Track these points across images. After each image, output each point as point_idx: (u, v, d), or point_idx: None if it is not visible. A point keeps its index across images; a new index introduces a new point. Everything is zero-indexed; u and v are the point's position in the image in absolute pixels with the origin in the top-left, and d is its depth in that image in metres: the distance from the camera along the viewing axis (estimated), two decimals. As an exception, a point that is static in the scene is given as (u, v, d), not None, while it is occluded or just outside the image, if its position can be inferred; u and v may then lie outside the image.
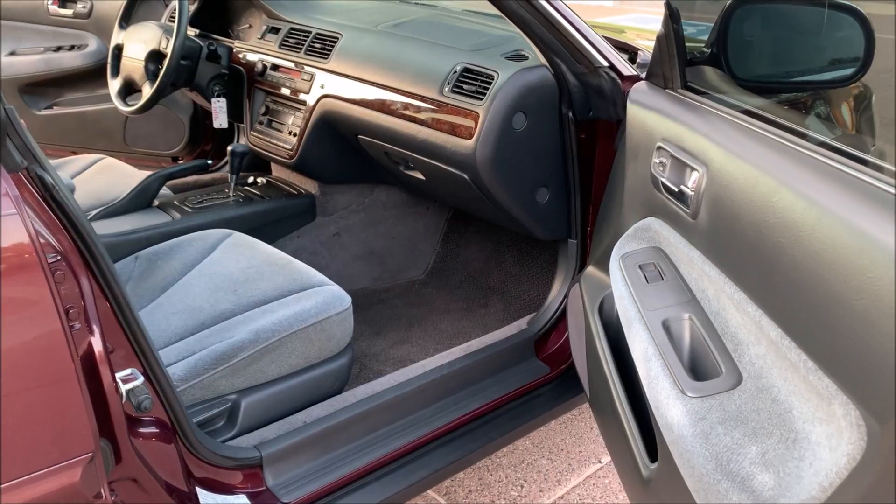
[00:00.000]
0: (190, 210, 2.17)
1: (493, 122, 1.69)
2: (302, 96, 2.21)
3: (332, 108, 2.11)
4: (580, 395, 1.93)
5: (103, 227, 2.05)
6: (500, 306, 2.33)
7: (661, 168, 1.27)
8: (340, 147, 2.22)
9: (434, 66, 1.85)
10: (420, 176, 2.03)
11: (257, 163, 3.15)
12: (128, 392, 1.16)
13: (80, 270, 1.06)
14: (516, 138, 1.73)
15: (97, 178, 2.48)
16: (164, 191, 2.31)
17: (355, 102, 2.03)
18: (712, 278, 1.10)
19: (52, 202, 1.05)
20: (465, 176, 1.80)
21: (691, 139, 1.19)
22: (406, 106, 1.88)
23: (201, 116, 3.08)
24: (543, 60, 1.71)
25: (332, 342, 1.69)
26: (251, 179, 2.43)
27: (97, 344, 1.09)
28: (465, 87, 1.77)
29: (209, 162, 2.28)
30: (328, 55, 2.14)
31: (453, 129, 1.76)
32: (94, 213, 2.12)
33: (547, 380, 1.92)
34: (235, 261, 1.88)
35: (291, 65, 2.26)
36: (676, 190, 1.20)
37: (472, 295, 2.41)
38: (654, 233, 1.31)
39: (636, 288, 1.22)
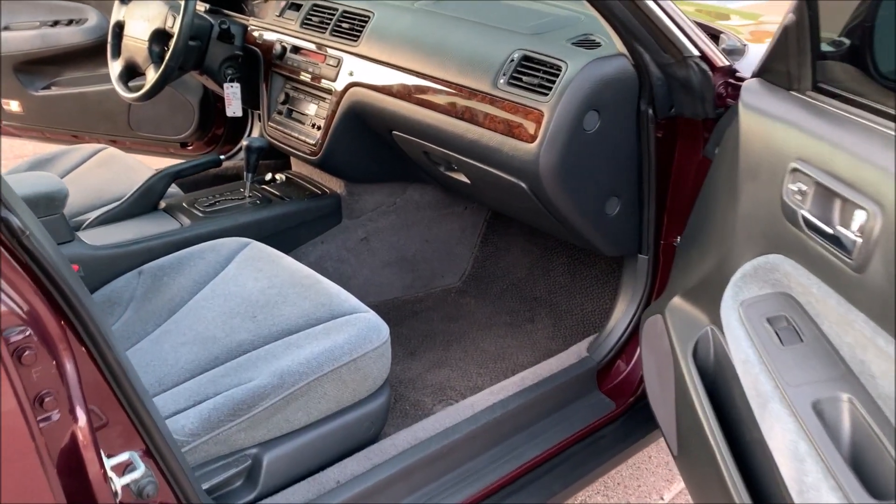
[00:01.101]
0: (201, 214, 1.91)
1: (560, 123, 1.41)
2: (327, 84, 1.93)
3: (363, 99, 1.83)
4: (651, 434, 1.68)
5: (102, 236, 1.79)
6: (548, 321, 2.07)
7: (800, 198, 0.99)
8: (371, 143, 1.95)
9: (486, 53, 1.57)
10: (464, 179, 1.76)
11: (273, 154, 2.90)
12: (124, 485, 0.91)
13: (59, 343, 0.80)
14: (587, 141, 1.45)
15: (96, 173, 2.22)
16: (172, 189, 2.05)
17: (389, 93, 1.75)
18: (882, 351, 0.84)
19: (19, 252, 0.79)
20: (523, 184, 1.53)
21: (848, 165, 0.92)
22: (451, 100, 1.60)
23: (212, 99, 2.81)
24: (622, 48, 1.43)
25: (368, 381, 1.44)
26: (269, 177, 2.16)
27: (83, 433, 0.84)
28: (524, 79, 1.49)
29: (222, 158, 2.01)
30: (358, 37, 1.86)
31: (510, 130, 1.49)
32: (91, 217, 1.86)
33: (613, 417, 1.67)
34: (254, 279, 1.62)
35: (315, 47, 1.98)
36: (829, 231, 0.93)
37: (516, 307, 2.15)
38: (783, 275, 1.04)
39: (769, 352, 0.96)
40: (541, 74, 1.47)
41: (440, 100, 1.63)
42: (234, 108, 2.23)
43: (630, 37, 1.38)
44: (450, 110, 1.61)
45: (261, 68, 2.16)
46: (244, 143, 1.96)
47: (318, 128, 1.97)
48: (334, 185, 2.11)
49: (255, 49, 2.17)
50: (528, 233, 2.25)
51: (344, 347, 1.39)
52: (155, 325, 1.58)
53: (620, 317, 1.74)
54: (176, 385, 1.39)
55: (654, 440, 1.72)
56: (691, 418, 1.26)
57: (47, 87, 2.99)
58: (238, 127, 2.89)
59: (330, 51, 1.93)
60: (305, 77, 2.01)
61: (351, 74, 1.86)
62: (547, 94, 1.43)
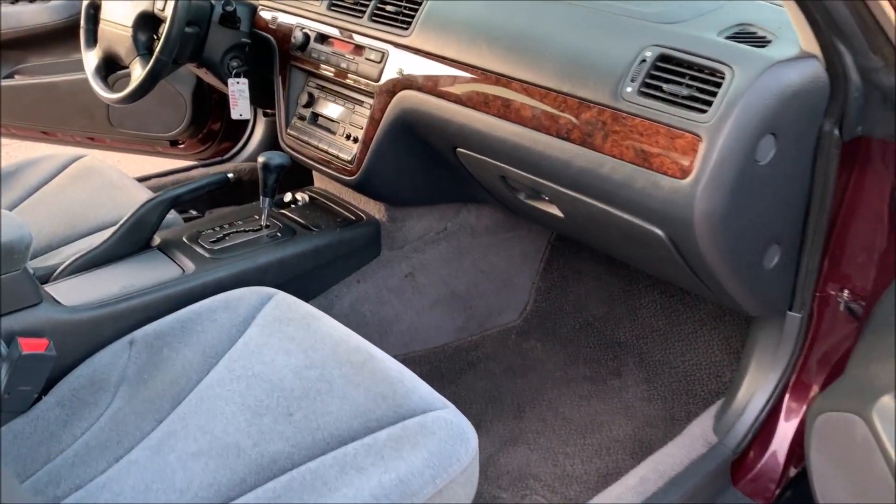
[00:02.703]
0: (207, 255, 1.48)
1: (728, 153, 1.00)
2: (366, 84, 1.50)
3: (416, 106, 1.40)
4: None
5: (79, 289, 1.37)
6: (639, 375, 1.68)
7: None
8: (424, 160, 1.53)
9: (602, 50, 1.15)
10: (556, 213, 1.35)
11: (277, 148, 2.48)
12: None
13: None
14: (757, 176, 1.05)
15: (71, 192, 1.78)
16: (169, 215, 1.61)
17: (455, 100, 1.33)
18: None
19: None
20: (659, 232, 1.12)
21: None
22: (550, 113, 1.18)
23: (206, 89, 2.37)
24: (811, 47, 1.02)
25: (455, 513, 1.04)
26: (288, 197, 1.73)
27: None
28: (664, 87, 1.07)
29: (230, 176, 1.58)
30: (409, 24, 1.43)
31: (645, 159, 1.07)
32: (65, 260, 1.43)
33: (757, 525, 1.29)
34: (285, 351, 1.22)
35: (349, 36, 1.54)
36: None
37: (596, 354, 1.75)
38: None
39: None
40: (689, 81, 1.05)
41: (531, 112, 1.21)
42: (240, 108, 1.80)
43: (832, 31, 0.97)
44: (546, 127, 1.19)
45: (275, 60, 1.72)
46: (261, 160, 1.53)
47: (355, 140, 1.54)
48: (371, 207, 1.69)
49: (267, 36, 1.73)
50: (604, 258, 1.84)
51: (424, 474, 0.99)
52: (154, 420, 1.17)
53: (756, 390, 1.34)
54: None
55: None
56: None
57: (9, 77, 2.52)
58: (239, 120, 2.45)
59: (370, 41, 1.50)
60: (334, 73, 1.57)
61: (400, 73, 1.43)
62: (705, 112, 1.02)
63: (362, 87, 1.52)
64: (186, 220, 2.17)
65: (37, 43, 2.47)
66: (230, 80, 1.76)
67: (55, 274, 1.42)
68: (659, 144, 1.06)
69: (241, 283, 1.44)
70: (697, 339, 1.66)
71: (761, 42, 1.08)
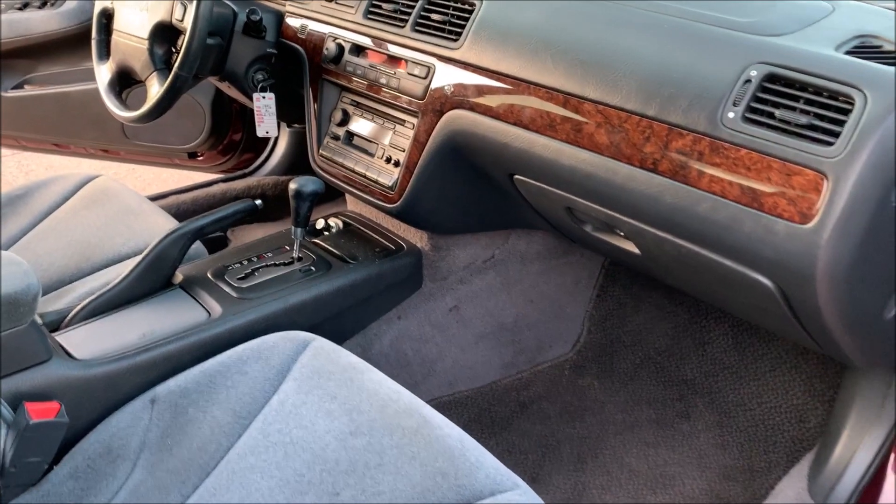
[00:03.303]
0: (235, 294, 1.33)
1: (862, 194, 0.84)
2: (409, 101, 1.34)
3: (468, 127, 1.24)
4: None
5: (93, 337, 1.22)
6: (710, 419, 1.51)
7: None
8: (475, 186, 1.37)
9: (695, 66, 0.99)
10: (631, 249, 1.18)
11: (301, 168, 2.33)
12: None
13: None
14: (888, 220, 0.88)
15: (83, 218, 1.64)
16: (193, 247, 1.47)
17: (515, 121, 1.17)
18: None
19: None
20: (769, 282, 0.95)
21: None
22: (631, 140, 1.02)
23: (227, 98, 2.22)
24: (960, 65, 0.85)
25: None
26: (321, 224, 1.58)
27: None
28: (776, 113, 0.90)
29: (258, 203, 1.43)
30: (458, 35, 1.27)
31: (755, 198, 0.91)
32: (77, 307, 1.28)
33: None
34: (326, 413, 1.07)
35: (390, 48, 1.38)
36: None
37: (660, 394, 1.59)
38: None
39: None
40: (805, 106, 0.89)
41: (608, 138, 1.05)
42: (266, 125, 1.64)
43: None
44: (628, 156, 1.03)
45: (305, 73, 1.56)
46: (293, 186, 1.37)
47: (396, 164, 1.38)
48: (412, 235, 1.53)
49: (296, 47, 1.57)
50: (665, 284, 1.68)
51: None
52: (180, 495, 1.03)
53: (858, 447, 1.18)
54: None
55: None
56: None
57: (19, 87, 2.39)
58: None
59: (413, 54, 1.34)
60: (372, 89, 1.42)
61: (449, 90, 1.27)
62: (831, 144, 0.85)
63: (404, 105, 1.36)
64: (210, 241, 2.04)
65: (46, 51, 2.34)
66: (255, 95, 1.61)
67: (67, 319, 1.27)
68: (771, 181, 0.89)
69: (273, 326, 1.30)
70: (775, 378, 1.49)
71: (891, 59, 0.91)
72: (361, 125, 1.47)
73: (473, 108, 1.23)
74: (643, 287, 1.70)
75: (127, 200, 1.70)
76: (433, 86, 1.29)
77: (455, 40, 1.27)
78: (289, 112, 1.73)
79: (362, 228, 1.56)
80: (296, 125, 1.91)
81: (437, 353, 1.54)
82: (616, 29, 1.09)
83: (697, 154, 0.96)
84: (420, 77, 1.31)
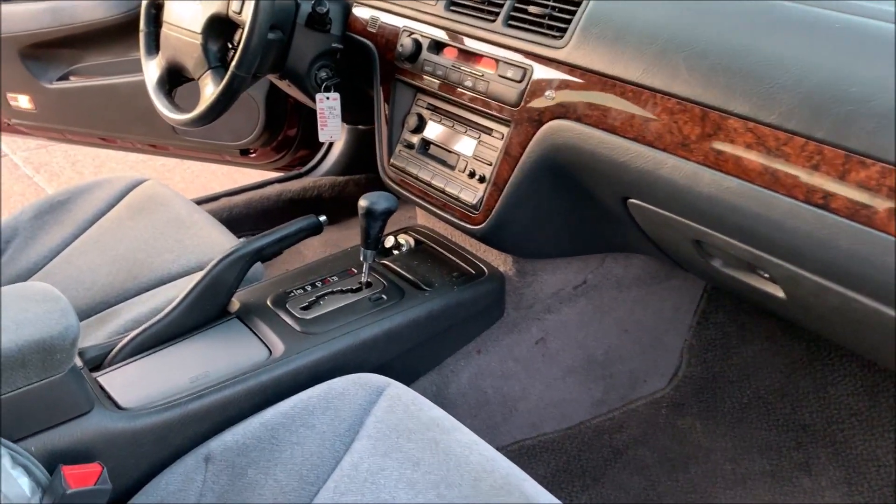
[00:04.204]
0: (298, 328, 1.17)
1: None
2: (500, 108, 1.16)
3: (573, 142, 1.05)
4: None
5: (139, 379, 1.07)
6: (837, 474, 1.31)
7: None
8: (575, 208, 1.18)
9: (874, 80, 0.78)
10: (774, 292, 0.98)
11: (356, 166, 2.16)
12: None
13: None
14: None
15: (131, 231, 1.49)
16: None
17: (634, 136, 0.97)
18: None
19: None
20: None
21: None
22: (795, 168, 0.82)
23: (281, 92, 2.06)
24: None
25: None
26: (390, 242, 1.40)
27: None
28: None
29: (322, 219, 1.26)
30: (562, 31, 1.07)
31: (972, 251, 0.71)
32: (122, 342, 1.13)
33: None
34: (408, 483, 0.92)
35: (477, 45, 1.19)
36: None
37: (773, 440, 1.39)
38: None
39: None
40: None
41: (761, 164, 0.85)
42: (329, 129, 1.47)
43: None
44: (788, 187, 0.83)
45: (375, 72, 1.38)
46: (363, 203, 1.20)
47: (482, 179, 1.20)
48: (493, 256, 1.35)
49: (365, 42, 1.39)
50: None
51: None
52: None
53: None
54: None
55: None
56: None
57: (64, 78, 2.27)
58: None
59: (506, 53, 1.15)
60: (454, 92, 1.23)
61: (551, 96, 1.08)
62: None
63: (493, 113, 1.17)
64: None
65: (92, 41, 2.20)
66: (318, 96, 1.44)
67: (110, 356, 1.12)
68: None
69: (341, 366, 1.13)
70: (917, 431, 1.29)
71: None
72: (439, 133, 1.29)
73: (581, 118, 1.04)
74: (751, 315, 1.50)
75: (177, 209, 1.55)
76: (530, 91, 1.10)
77: (558, 38, 1.08)
78: (353, 113, 1.56)
79: (437, 248, 1.39)
80: (360, 126, 1.74)
81: (520, 391, 1.36)
82: (772, 28, 0.88)
83: (887, 190, 0.76)
84: (514, 80, 1.13)
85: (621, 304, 1.42)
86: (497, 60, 1.16)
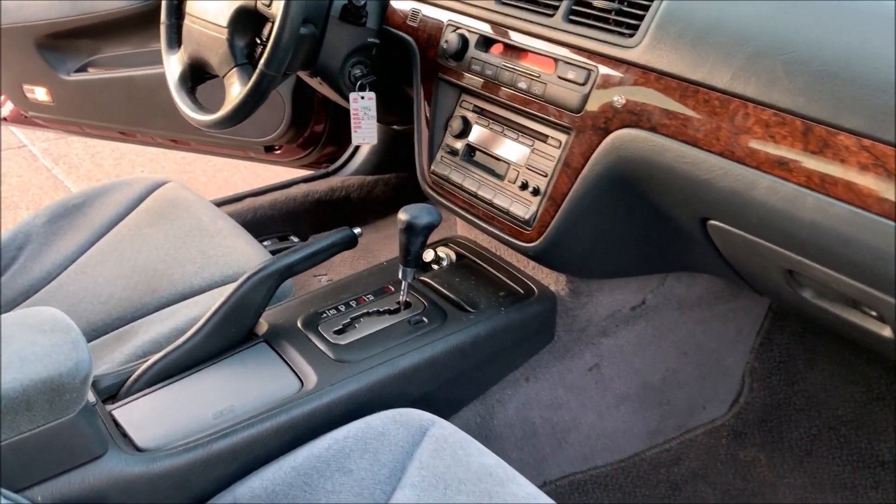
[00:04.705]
0: (332, 354, 1.06)
1: None
2: (559, 114, 1.04)
3: (646, 154, 0.93)
4: None
5: (156, 416, 0.97)
6: (922, 519, 1.19)
7: None
8: (643, 226, 1.06)
9: None
10: (883, 333, 0.86)
11: (389, 165, 2.04)
12: None
13: None
14: None
15: (151, 239, 1.39)
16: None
17: (720, 151, 0.85)
18: None
19: None
20: None
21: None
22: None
23: (309, 87, 1.95)
24: None
25: None
26: (429, 256, 1.29)
27: None
28: None
29: (357, 231, 1.15)
30: (634, 29, 0.95)
31: None
32: (139, 370, 1.03)
33: None
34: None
35: (533, 42, 1.07)
36: None
37: (847, 477, 1.26)
38: None
39: None
40: None
41: (879, 189, 0.73)
42: (363, 131, 1.36)
43: None
44: (910, 214, 0.71)
45: (415, 70, 1.26)
46: (403, 217, 1.08)
47: (536, 192, 1.08)
48: (543, 272, 1.23)
49: (405, 37, 1.27)
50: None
51: None
52: None
53: None
54: None
55: None
56: None
57: (82, 69, 2.17)
58: (347, 119, 2.02)
59: (567, 52, 1.02)
60: (504, 94, 1.11)
61: (619, 102, 0.95)
62: None
63: (551, 119, 1.05)
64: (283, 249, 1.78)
65: (111, 31, 2.11)
66: (352, 95, 1.32)
67: (127, 386, 1.02)
68: None
69: (378, 399, 1.03)
70: None
71: None
72: (487, 138, 1.17)
73: (656, 128, 0.92)
74: (820, 336, 1.37)
75: (199, 214, 1.45)
76: (595, 95, 0.98)
77: (628, 35, 0.95)
78: (388, 113, 1.44)
79: (481, 263, 1.27)
80: (395, 126, 1.62)
81: (570, 421, 1.24)
82: (888, 27, 0.75)
83: None
84: (576, 83, 1.00)
85: (682, 325, 1.30)
86: (556, 60, 1.04)
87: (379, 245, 1.95)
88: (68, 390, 0.80)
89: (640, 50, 0.93)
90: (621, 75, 0.95)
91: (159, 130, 2.21)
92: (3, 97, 2.32)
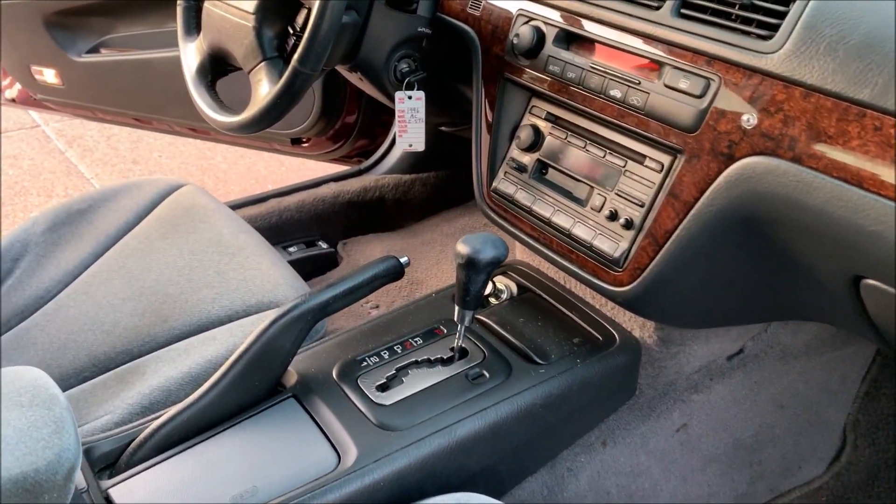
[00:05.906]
0: (374, 418, 0.87)
1: None
2: (665, 131, 0.83)
3: (786, 191, 0.72)
4: None
5: (160, 492, 0.78)
6: None
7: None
8: (764, 273, 0.86)
9: None
10: None
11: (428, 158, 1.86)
12: None
13: None
14: None
15: (164, 254, 1.22)
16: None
17: (891, 194, 0.64)
18: None
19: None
20: None
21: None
22: None
23: (341, 79, 1.76)
24: None
25: None
26: (488, 290, 1.09)
27: None
28: None
29: (404, 260, 0.96)
30: (772, 30, 0.74)
31: None
32: (143, 434, 0.85)
33: None
34: None
35: (631, 40, 0.86)
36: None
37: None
38: None
39: None
40: None
41: None
42: (410, 135, 1.17)
43: None
44: None
45: (476, 68, 1.06)
46: (462, 250, 0.89)
47: (629, 225, 0.88)
48: (623, 314, 1.03)
49: (464, 27, 1.07)
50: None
51: None
52: None
53: None
54: None
55: None
56: None
57: (94, 50, 2.01)
58: (382, 110, 1.82)
59: (673, 59, 0.82)
60: (591, 102, 0.91)
61: (749, 122, 0.75)
62: None
63: (652, 136, 0.85)
64: (316, 259, 1.61)
65: (125, 10, 1.93)
66: (398, 94, 1.12)
67: (127, 453, 0.84)
68: None
69: (431, 476, 0.84)
70: None
71: None
72: (564, 154, 0.97)
73: (801, 159, 0.71)
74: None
75: (219, 226, 1.26)
76: (716, 111, 0.78)
77: (764, 38, 0.75)
78: (436, 114, 1.24)
79: (547, 298, 1.07)
80: (443, 128, 1.42)
81: (649, 489, 1.05)
82: None
83: None
84: (690, 94, 0.80)
85: (783, 376, 1.10)
86: (662, 63, 0.83)
87: (416, 252, 1.76)
88: (47, 490, 0.62)
89: (781, 56, 0.73)
90: (753, 87, 0.75)
91: (177, 118, 2.03)
92: (8, 78, 2.14)
